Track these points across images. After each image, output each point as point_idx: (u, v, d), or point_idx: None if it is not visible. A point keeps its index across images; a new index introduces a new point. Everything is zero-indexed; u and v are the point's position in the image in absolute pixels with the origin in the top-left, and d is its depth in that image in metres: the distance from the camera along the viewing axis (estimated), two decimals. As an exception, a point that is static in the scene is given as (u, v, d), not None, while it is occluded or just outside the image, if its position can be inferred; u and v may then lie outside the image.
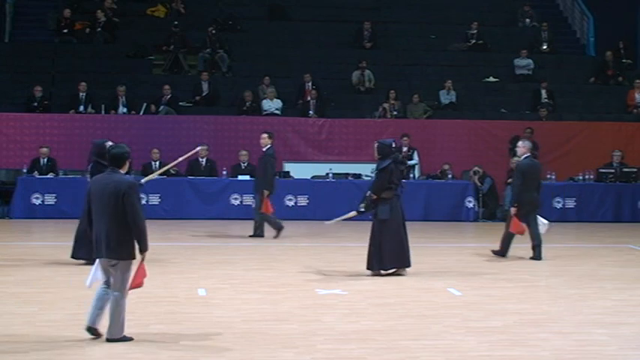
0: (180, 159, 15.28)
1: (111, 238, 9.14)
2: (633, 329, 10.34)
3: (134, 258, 9.26)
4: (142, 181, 14.43)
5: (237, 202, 21.92)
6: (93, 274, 9.54)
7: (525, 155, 16.05)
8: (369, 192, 13.83)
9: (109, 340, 9.28)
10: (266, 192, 17.96)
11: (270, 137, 18.44)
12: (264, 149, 18.34)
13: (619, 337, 9.90)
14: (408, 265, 13.73)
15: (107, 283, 9.38)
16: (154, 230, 19.72)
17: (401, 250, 13.61)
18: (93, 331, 9.38)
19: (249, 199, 21.76)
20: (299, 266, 14.68)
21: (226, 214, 21.72)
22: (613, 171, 22.95)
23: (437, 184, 22.77)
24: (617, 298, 12.22)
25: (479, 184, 22.76)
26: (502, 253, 15.95)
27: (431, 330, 10.10)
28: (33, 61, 26.12)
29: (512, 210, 15.74)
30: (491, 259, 15.94)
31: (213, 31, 26.51)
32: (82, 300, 11.46)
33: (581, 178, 23.09)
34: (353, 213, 14.24)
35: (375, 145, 13.95)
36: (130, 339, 9.35)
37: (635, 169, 23.14)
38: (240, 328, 10.04)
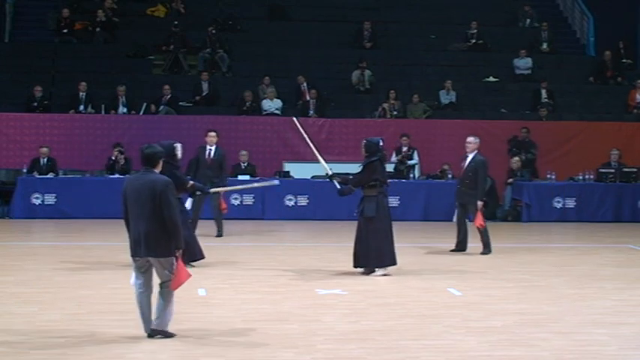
0: (256, 185, 15.04)
1: (150, 236, 9.22)
2: (633, 329, 10.34)
3: (173, 255, 9.31)
4: (211, 190, 14.39)
5: (237, 202, 21.91)
6: (136, 274, 9.59)
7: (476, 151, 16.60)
8: (349, 184, 13.87)
9: (153, 332, 9.39)
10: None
11: (217, 135, 18.44)
12: (212, 147, 18.24)
13: (619, 337, 9.90)
14: (394, 263, 13.75)
15: (144, 285, 9.44)
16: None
17: (388, 248, 13.64)
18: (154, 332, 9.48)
19: (249, 199, 21.78)
20: (299, 266, 14.68)
21: (226, 214, 21.67)
22: (613, 171, 22.95)
23: (437, 184, 22.75)
24: (617, 298, 12.22)
25: (479, 184, 22.72)
26: (463, 248, 16.50)
27: (431, 330, 10.10)
28: (33, 61, 26.11)
29: (480, 204, 16.12)
30: (492, 258, 15.94)
31: (213, 31, 26.51)
32: (82, 300, 11.48)
33: (581, 178, 23.08)
34: (327, 171, 14.17)
35: (363, 142, 13.95)
36: (172, 335, 9.46)
37: (635, 169, 23.13)
38: (240, 328, 10.04)
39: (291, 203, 21.96)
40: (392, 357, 9.00)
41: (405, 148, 23.22)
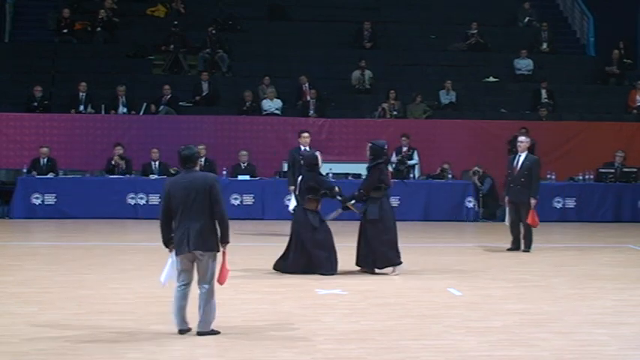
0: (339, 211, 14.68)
1: (200, 231, 9.43)
2: (633, 329, 10.34)
3: (219, 250, 9.56)
4: (329, 218, 14.22)
5: (237, 202, 21.92)
6: (168, 273, 9.74)
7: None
8: (357, 191, 13.93)
9: (200, 334, 9.50)
10: None
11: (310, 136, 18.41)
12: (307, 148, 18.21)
13: (619, 337, 9.90)
14: (400, 262, 13.79)
15: (185, 282, 9.59)
16: (153, 230, 19.81)
17: (392, 249, 13.70)
18: (185, 332, 9.60)
19: (249, 199, 21.78)
20: (299, 266, 14.65)
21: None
22: (613, 171, 22.95)
23: (437, 184, 22.77)
24: (617, 298, 12.22)
25: (479, 184, 22.77)
26: (517, 247, 16.83)
27: (431, 330, 10.10)
28: (33, 61, 26.13)
29: (534, 202, 16.47)
30: (492, 258, 15.95)
31: (213, 31, 26.51)
32: (82, 300, 11.48)
33: (581, 178, 23.09)
34: (339, 211, 14.23)
35: (369, 145, 13.97)
36: (217, 332, 9.58)
37: (635, 169, 23.14)
38: (240, 328, 10.04)
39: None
40: (392, 357, 8.99)
41: (405, 148, 23.23)
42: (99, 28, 26.73)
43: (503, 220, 17.43)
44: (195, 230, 9.43)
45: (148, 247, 16.90)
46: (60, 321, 10.28)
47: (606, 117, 25.82)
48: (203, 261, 9.51)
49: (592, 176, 23.06)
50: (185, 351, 9.06)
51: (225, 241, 9.57)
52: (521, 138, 17.33)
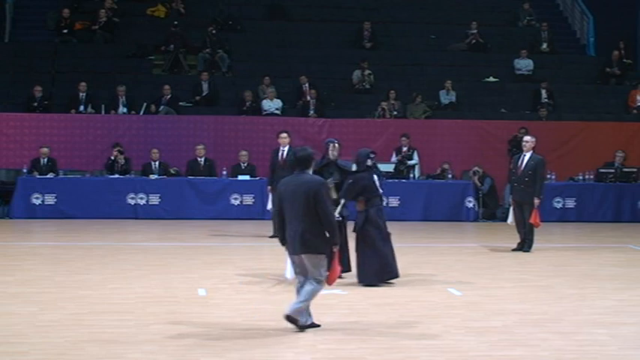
0: None
1: (305, 234, 9.65)
2: (633, 329, 10.34)
3: (324, 252, 9.74)
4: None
5: (237, 202, 21.91)
6: (290, 269, 10.16)
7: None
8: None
9: (288, 318, 9.73)
10: None
11: (289, 136, 18.32)
12: (285, 148, 18.20)
13: (619, 337, 9.90)
14: (396, 276, 13.00)
15: (302, 279, 9.86)
16: (153, 230, 19.87)
17: (384, 262, 12.90)
18: (316, 325, 9.91)
19: (249, 199, 21.77)
20: (299, 266, 14.65)
21: (226, 214, 21.72)
22: (613, 171, 22.95)
23: (437, 184, 22.76)
24: (617, 298, 12.22)
25: (479, 184, 22.76)
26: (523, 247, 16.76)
27: (431, 330, 10.10)
28: (33, 61, 26.11)
29: (537, 202, 16.46)
30: (492, 258, 15.95)
31: (213, 31, 26.51)
32: (82, 300, 11.49)
33: (581, 178, 23.09)
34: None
35: (357, 152, 13.26)
36: (317, 325, 9.88)
37: (635, 169, 23.14)
38: (240, 328, 10.04)
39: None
40: (392, 357, 9.00)
41: (405, 148, 23.22)
42: (99, 28, 26.72)
43: (506, 219, 17.43)
44: (299, 233, 9.67)
45: (147, 247, 16.93)
46: (60, 321, 10.28)
47: (606, 117, 25.80)
48: (308, 263, 9.75)
49: (592, 176, 23.05)
50: (185, 351, 9.06)
51: (333, 242, 9.72)
52: (527, 137, 17.30)
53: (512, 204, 16.92)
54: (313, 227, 9.66)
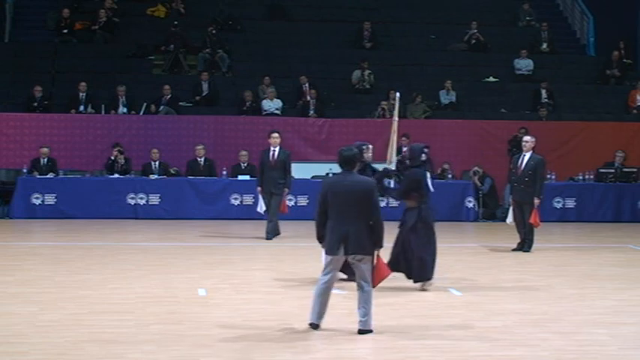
0: None
1: (359, 235, 9.55)
2: (633, 329, 10.34)
3: (372, 254, 9.71)
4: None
5: (237, 202, 21.91)
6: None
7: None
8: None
9: (360, 332, 9.69)
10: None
11: (280, 136, 18.37)
12: (276, 149, 18.22)
13: (619, 337, 9.90)
14: (430, 278, 12.76)
15: (330, 281, 9.79)
16: (153, 230, 19.87)
17: (428, 261, 12.67)
18: (316, 326, 9.85)
19: (249, 199, 21.76)
20: (299, 266, 14.68)
21: (226, 214, 21.72)
22: (613, 171, 22.95)
23: (437, 184, 22.67)
24: (617, 298, 12.22)
25: (479, 184, 22.77)
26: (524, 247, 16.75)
27: (431, 330, 10.10)
28: (33, 61, 26.11)
29: (537, 202, 16.44)
30: (492, 258, 15.95)
31: (213, 31, 26.51)
32: (82, 300, 11.49)
33: (581, 178, 23.08)
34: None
35: (407, 148, 13.36)
36: (372, 330, 9.76)
37: (635, 169, 23.14)
38: (240, 328, 10.04)
39: (291, 203, 21.92)
40: (392, 357, 9.00)
41: (405, 148, 23.20)
42: (99, 28, 26.72)
43: (504, 219, 17.43)
44: (352, 234, 9.54)
45: (147, 247, 16.93)
46: (60, 321, 10.28)
47: (606, 117, 25.81)
48: (361, 264, 9.65)
49: (592, 176, 23.05)
50: (185, 351, 9.06)
51: (380, 245, 9.70)
52: (527, 138, 17.30)
53: (512, 204, 16.92)
54: (366, 228, 9.57)
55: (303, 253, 16.29)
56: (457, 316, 10.83)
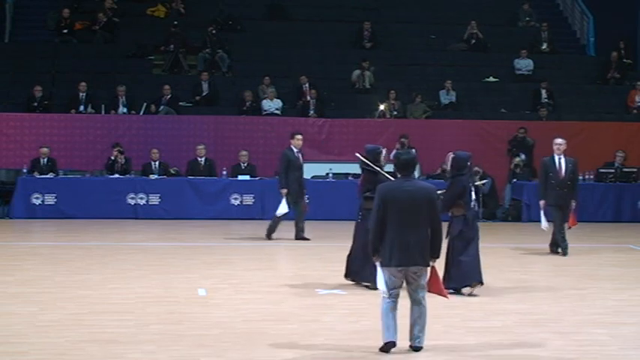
0: None
1: (423, 245, 8.97)
2: (633, 329, 10.34)
3: (429, 264, 9.14)
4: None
5: (237, 202, 21.91)
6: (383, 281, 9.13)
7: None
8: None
9: (415, 349, 9.16)
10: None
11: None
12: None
13: (619, 337, 9.90)
14: (481, 281, 12.53)
15: (397, 295, 9.08)
16: (153, 230, 19.86)
17: (473, 266, 12.42)
18: (392, 345, 9.10)
19: (249, 199, 21.76)
20: (299, 266, 14.67)
21: (226, 214, 21.71)
22: (613, 171, 22.94)
23: (437, 184, 22.68)
24: (617, 298, 12.22)
25: (480, 184, 22.73)
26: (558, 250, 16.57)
27: (431, 330, 10.09)
28: (33, 61, 26.12)
29: (574, 204, 16.36)
30: (492, 258, 15.93)
31: (213, 31, 26.51)
32: (82, 300, 11.48)
33: (581, 178, 23.03)
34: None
35: (451, 156, 13.05)
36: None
37: (635, 169, 23.13)
38: (240, 328, 10.04)
39: (291, 203, 21.95)
40: (392, 357, 8.99)
41: (398, 152, 23.16)
42: (99, 28, 26.72)
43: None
44: (415, 243, 8.90)
45: (147, 247, 16.93)
46: (60, 321, 10.29)
47: (606, 117, 25.79)
48: (421, 275, 9.06)
49: (592, 176, 23.03)
50: (185, 351, 9.06)
51: (437, 255, 9.12)
52: (560, 140, 17.01)
53: (551, 208, 16.42)
54: (426, 237, 8.96)
55: (303, 253, 16.31)
56: (457, 316, 10.83)
